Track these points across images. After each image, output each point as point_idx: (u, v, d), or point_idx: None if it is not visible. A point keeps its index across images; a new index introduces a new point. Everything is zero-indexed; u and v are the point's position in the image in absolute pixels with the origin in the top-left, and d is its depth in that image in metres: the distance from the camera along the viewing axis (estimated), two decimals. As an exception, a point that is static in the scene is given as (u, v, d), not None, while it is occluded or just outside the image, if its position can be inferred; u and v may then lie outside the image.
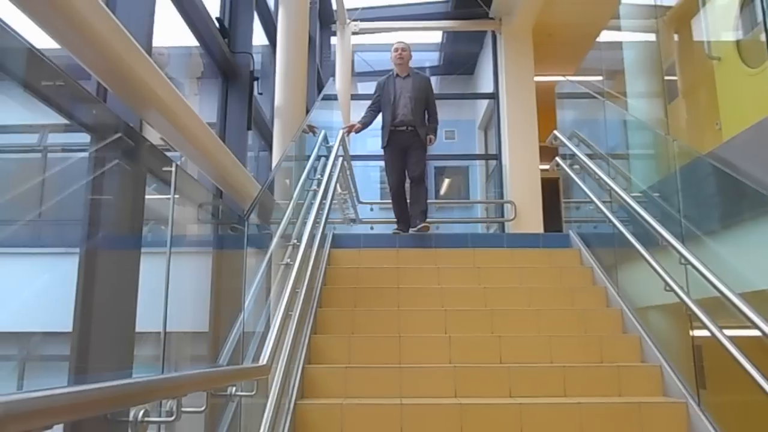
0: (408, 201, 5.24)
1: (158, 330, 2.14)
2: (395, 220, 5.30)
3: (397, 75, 5.27)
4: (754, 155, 2.44)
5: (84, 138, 1.93)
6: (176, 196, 2.00)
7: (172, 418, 1.31)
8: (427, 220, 5.12)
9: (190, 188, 2.37)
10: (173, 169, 1.89)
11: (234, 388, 1.97)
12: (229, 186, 2.86)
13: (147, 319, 2.00)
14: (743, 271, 2.59)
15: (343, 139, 5.30)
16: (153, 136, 2.18)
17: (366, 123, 5.33)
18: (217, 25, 3.94)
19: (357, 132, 5.36)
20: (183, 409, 1.40)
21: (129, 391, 1.01)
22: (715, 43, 3.72)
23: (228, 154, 2.71)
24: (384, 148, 5.21)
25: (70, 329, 1.77)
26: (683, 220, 3.06)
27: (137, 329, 1.94)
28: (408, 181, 5.25)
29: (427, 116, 5.27)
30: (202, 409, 1.49)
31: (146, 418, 1.28)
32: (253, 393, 1.97)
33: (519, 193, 7.88)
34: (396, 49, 5.26)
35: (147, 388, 1.09)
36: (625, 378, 3.10)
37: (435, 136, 5.23)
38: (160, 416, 1.37)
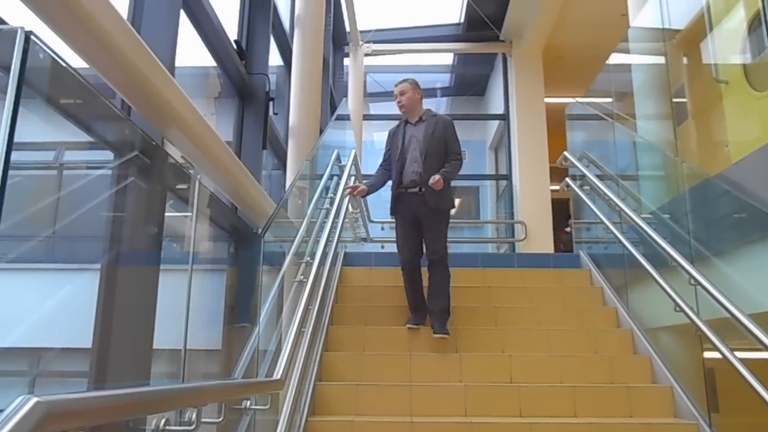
0: (425, 285, 3.96)
1: (173, 347, 2.18)
2: (408, 306, 3.98)
3: (407, 121, 4.06)
4: (762, 177, 2.48)
5: (107, 155, 2.01)
6: (196, 212, 2.07)
7: (192, 427, 1.35)
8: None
9: (210, 205, 2.44)
10: (196, 185, 1.96)
11: (249, 402, 2.01)
12: (244, 203, 2.93)
13: (163, 336, 2.04)
14: (752, 292, 2.60)
15: (355, 159, 5.37)
16: (173, 153, 2.26)
17: (373, 185, 4.15)
18: (235, 47, 4.06)
19: (362, 196, 4.44)
20: (202, 420, 1.44)
21: (155, 398, 1.06)
22: (723, 67, 3.77)
23: (244, 171, 2.78)
24: (392, 214, 4.04)
25: (89, 345, 1.81)
26: (692, 241, 3.08)
27: (155, 346, 1.99)
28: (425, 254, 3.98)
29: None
30: (220, 419, 1.53)
31: (167, 427, 1.32)
32: (267, 407, 2.01)
33: (529, 214, 7.91)
34: (395, 96, 4.04)
35: (171, 396, 1.14)
36: (636, 399, 3.10)
37: (445, 176, 3.76)
38: (179, 425, 1.41)
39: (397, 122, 4.16)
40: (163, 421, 1.30)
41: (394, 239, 4.05)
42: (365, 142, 9.20)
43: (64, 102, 1.62)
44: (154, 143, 1.97)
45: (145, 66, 1.76)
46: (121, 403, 0.94)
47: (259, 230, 2.65)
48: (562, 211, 7.68)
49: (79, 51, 1.52)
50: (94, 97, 1.67)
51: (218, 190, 2.91)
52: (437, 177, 3.68)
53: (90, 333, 1.83)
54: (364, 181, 4.17)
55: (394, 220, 4.06)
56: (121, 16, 1.59)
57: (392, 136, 4.13)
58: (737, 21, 3.60)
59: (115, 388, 0.98)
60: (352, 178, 5.21)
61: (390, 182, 4.08)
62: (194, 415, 1.41)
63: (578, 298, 4.30)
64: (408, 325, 3.82)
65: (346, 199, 4.80)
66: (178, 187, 2.22)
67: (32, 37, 1.08)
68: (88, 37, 1.44)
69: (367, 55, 9.03)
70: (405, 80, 4.05)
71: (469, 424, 2.89)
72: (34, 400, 0.72)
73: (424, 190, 3.79)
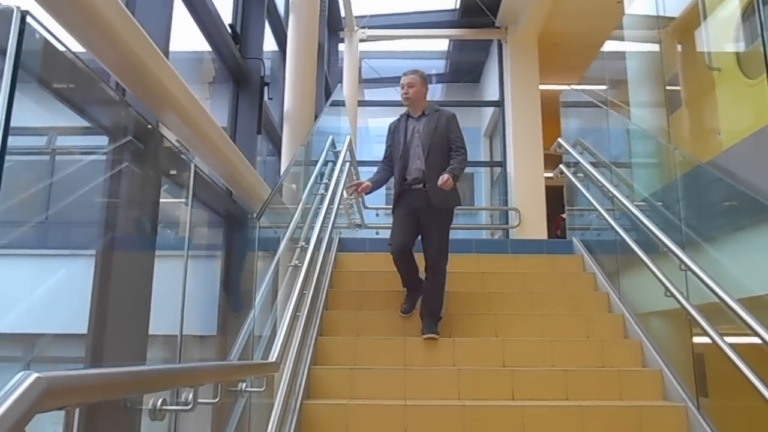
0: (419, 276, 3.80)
1: (168, 333, 2.19)
2: (403, 286, 3.84)
3: (410, 115, 3.89)
4: (752, 163, 2.50)
5: (101, 139, 2.01)
6: (192, 197, 2.07)
7: (189, 407, 1.37)
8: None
9: (205, 190, 2.44)
10: (191, 169, 1.96)
11: (244, 384, 2.04)
12: (240, 188, 2.94)
13: (159, 320, 2.05)
14: (741, 277, 2.64)
15: (350, 145, 5.37)
16: (168, 137, 2.26)
17: (377, 182, 3.97)
18: (230, 31, 4.03)
19: (366, 193, 4.09)
20: (199, 400, 1.47)
21: (153, 377, 1.08)
22: (716, 55, 3.79)
23: (239, 155, 2.79)
24: (393, 210, 3.85)
25: (85, 331, 1.81)
26: (684, 227, 3.12)
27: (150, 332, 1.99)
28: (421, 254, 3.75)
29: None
30: (217, 400, 1.55)
31: (164, 407, 1.34)
32: (262, 389, 2.04)
33: (523, 201, 7.95)
34: (402, 86, 3.85)
35: (168, 375, 1.16)
36: (626, 382, 3.15)
37: (455, 175, 3.55)
38: (176, 405, 1.43)
39: (396, 116, 3.99)
40: (160, 401, 1.32)
41: (390, 226, 3.96)
42: (360, 129, 9.19)
43: (57, 85, 1.62)
44: (149, 126, 1.98)
45: (140, 47, 1.75)
46: (119, 381, 0.96)
47: (254, 215, 2.66)
48: (556, 199, 7.72)
49: (72, 31, 1.52)
50: (89, 79, 1.66)
51: (213, 175, 2.92)
52: (446, 176, 3.46)
53: (86, 318, 1.83)
54: (368, 178, 3.96)
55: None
56: (116, -2, 1.59)
57: (393, 130, 3.93)
58: (731, 9, 3.61)
59: (114, 367, 1.00)
60: (347, 164, 5.22)
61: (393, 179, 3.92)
62: (191, 396, 1.43)
63: (571, 284, 4.35)
64: (401, 313, 3.76)
65: (341, 185, 4.82)
66: (173, 171, 2.22)
67: (28, 16, 1.07)
68: (82, 17, 1.44)
69: (362, 40, 8.98)
70: (414, 71, 3.84)
71: (462, 406, 2.93)
72: (35, 375, 0.74)
73: (428, 186, 3.62)
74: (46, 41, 1.34)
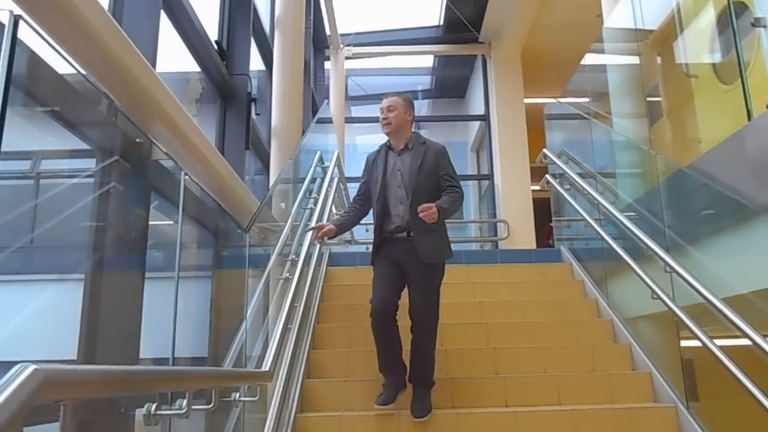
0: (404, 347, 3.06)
1: (158, 356, 2.15)
2: (379, 370, 3.05)
3: (390, 147, 3.19)
4: (729, 166, 2.57)
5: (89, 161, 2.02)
6: (182, 209, 2.09)
7: (183, 411, 1.38)
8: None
9: (194, 202, 2.45)
10: (182, 181, 1.98)
11: (237, 394, 2.04)
12: (229, 200, 2.96)
13: (149, 341, 2.02)
14: (723, 276, 2.69)
15: (338, 160, 5.41)
16: (156, 151, 2.28)
17: (343, 225, 3.27)
18: (216, 47, 4.08)
19: (329, 238, 3.22)
20: (193, 407, 1.47)
21: (147, 377, 1.10)
22: (693, 63, 3.90)
23: (228, 168, 2.81)
24: (372, 261, 3.16)
25: (75, 356, 1.79)
26: (667, 231, 3.18)
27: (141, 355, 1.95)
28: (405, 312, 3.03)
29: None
30: (211, 406, 1.56)
31: (158, 412, 1.35)
32: (256, 398, 2.04)
33: (511, 212, 8.02)
34: (381, 110, 3.15)
35: (163, 377, 1.17)
36: (617, 385, 3.17)
37: (443, 209, 2.89)
38: (170, 411, 1.43)
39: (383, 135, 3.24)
40: (154, 406, 1.33)
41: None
42: (347, 146, 9.25)
43: (45, 105, 1.64)
44: (138, 141, 2.00)
45: (129, 59, 1.79)
46: (114, 378, 0.97)
47: (245, 227, 2.68)
48: (544, 210, 7.79)
49: (61, 42, 1.54)
50: (76, 93, 1.69)
51: (201, 190, 2.93)
52: (431, 206, 2.80)
53: (75, 343, 1.80)
54: (332, 219, 3.26)
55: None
56: (103, 8, 1.62)
57: (370, 165, 3.22)
58: (706, 21, 3.73)
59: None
60: (335, 180, 5.26)
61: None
62: (185, 402, 1.44)
63: (560, 291, 4.38)
64: (376, 405, 2.89)
65: (330, 200, 4.85)
66: (164, 185, 2.24)
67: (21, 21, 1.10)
68: (71, 28, 1.47)
69: (347, 58, 9.10)
70: (397, 93, 3.17)
71: (456, 414, 2.93)
72: (32, 367, 0.75)
73: (413, 235, 2.99)
74: (32, 54, 1.35)
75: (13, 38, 1.06)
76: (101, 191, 1.91)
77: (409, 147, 3.11)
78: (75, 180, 1.96)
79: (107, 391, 0.96)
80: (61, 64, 1.56)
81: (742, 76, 2.67)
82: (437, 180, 3.04)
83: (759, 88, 2.69)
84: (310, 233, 3.35)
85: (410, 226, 2.98)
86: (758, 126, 2.37)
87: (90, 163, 1.99)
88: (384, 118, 3.11)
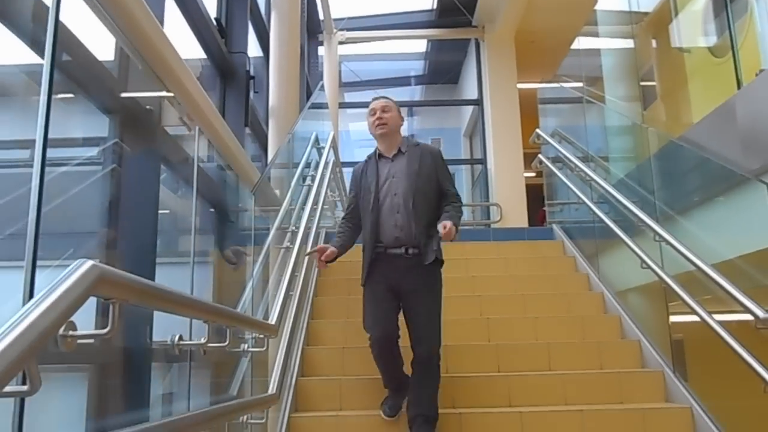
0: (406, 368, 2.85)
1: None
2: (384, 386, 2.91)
3: (381, 155, 2.94)
4: (720, 134, 2.68)
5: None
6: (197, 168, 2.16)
7: (202, 342, 1.48)
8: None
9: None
10: (196, 138, 2.05)
11: (246, 345, 2.13)
12: (235, 164, 3.01)
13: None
14: (712, 243, 2.81)
15: (334, 141, 5.47)
16: (170, 116, 2.34)
17: (343, 245, 2.95)
18: (216, 24, 4.13)
19: (330, 260, 2.90)
20: (209, 344, 1.56)
21: (181, 301, 1.22)
22: (687, 39, 3.99)
23: (233, 137, 2.88)
24: (363, 283, 2.88)
25: None
26: (657, 203, 3.29)
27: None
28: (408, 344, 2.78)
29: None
30: (226, 344, 1.65)
31: (181, 342, 1.45)
32: (263, 348, 2.13)
33: (504, 196, 8.13)
34: (373, 111, 2.90)
35: (193, 305, 1.30)
36: (606, 353, 3.29)
37: (455, 222, 2.70)
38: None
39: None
40: (177, 336, 1.42)
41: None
42: (341, 132, 9.29)
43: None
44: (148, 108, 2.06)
45: (147, 24, 1.85)
46: (154, 292, 1.08)
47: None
48: (537, 195, 7.91)
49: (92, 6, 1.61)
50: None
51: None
52: (449, 224, 2.60)
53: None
54: (332, 242, 2.96)
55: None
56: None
57: (359, 177, 2.95)
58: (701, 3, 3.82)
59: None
60: (330, 163, 5.32)
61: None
62: (204, 339, 1.52)
63: (552, 266, 4.50)
64: (384, 416, 2.79)
65: (326, 180, 4.91)
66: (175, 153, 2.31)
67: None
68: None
69: (341, 43, 9.12)
70: (387, 97, 2.97)
71: (458, 414, 2.82)
72: (90, 262, 0.83)
73: (412, 251, 2.75)
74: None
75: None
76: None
77: (402, 151, 2.88)
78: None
79: (147, 301, 1.06)
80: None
81: (733, 48, 2.76)
82: (436, 184, 2.85)
83: (750, 58, 2.77)
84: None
85: (414, 240, 2.74)
86: (747, 93, 2.46)
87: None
88: (378, 119, 2.85)
